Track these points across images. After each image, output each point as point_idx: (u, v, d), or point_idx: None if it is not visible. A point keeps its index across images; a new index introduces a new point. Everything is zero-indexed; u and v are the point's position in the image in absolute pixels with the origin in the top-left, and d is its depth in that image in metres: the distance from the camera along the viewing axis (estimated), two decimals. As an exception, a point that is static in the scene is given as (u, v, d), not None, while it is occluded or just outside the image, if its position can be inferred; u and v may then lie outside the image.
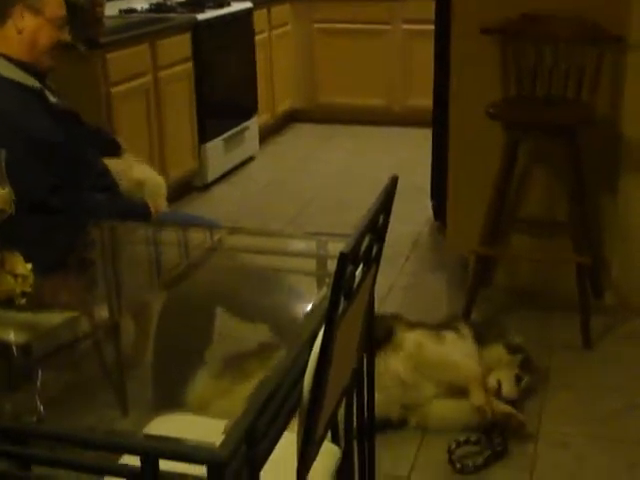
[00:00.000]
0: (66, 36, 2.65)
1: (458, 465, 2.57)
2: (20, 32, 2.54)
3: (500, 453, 2.61)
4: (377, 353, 2.51)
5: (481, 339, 2.89)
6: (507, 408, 2.70)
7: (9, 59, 2.54)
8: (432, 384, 2.75)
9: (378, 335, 2.57)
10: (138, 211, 2.67)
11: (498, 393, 2.79)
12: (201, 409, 2.14)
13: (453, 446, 2.61)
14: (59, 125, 2.57)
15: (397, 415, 2.75)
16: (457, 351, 2.82)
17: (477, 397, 2.70)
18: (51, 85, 2.68)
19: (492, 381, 2.80)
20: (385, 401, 2.66)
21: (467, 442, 2.63)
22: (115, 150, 2.90)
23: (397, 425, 2.75)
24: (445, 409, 2.74)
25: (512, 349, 2.88)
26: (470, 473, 2.56)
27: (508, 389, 2.81)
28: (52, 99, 2.59)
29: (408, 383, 2.73)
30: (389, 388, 2.71)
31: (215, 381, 2.31)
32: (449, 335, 2.86)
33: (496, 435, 2.63)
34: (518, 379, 2.83)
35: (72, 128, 2.63)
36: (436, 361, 2.77)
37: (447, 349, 2.81)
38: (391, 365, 2.73)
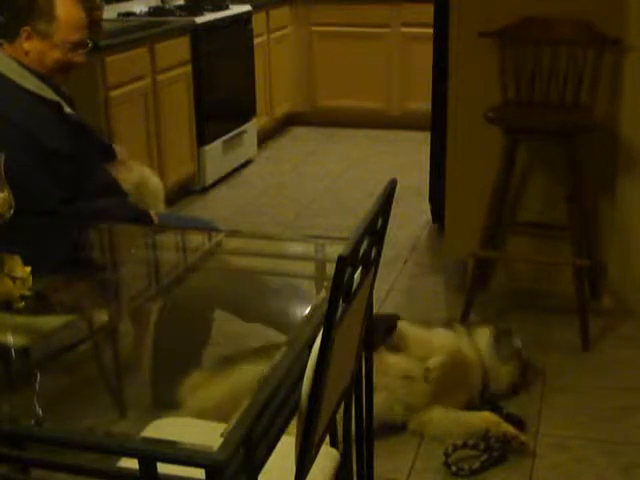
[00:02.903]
0: (79, 58, 2.59)
1: (454, 468, 2.57)
2: (27, 54, 2.53)
3: (498, 459, 2.60)
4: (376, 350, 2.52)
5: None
6: (511, 429, 2.67)
7: (26, 67, 2.54)
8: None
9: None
10: (140, 219, 2.67)
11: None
12: (192, 400, 2.14)
13: (450, 449, 2.61)
14: (72, 136, 2.56)
15: (400, 416, 2.75)
16: (439, 337, 2.88)
17: (433, 360, 2.74)
18: (66, 91, 2.68)
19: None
20: (388, 401, 2.66)
21: (465, 446, 2.63)
22: (110, 156, 2.89)
23: (399, 428, 2.75)
24: (445, 419, 2.73)
25: (499, 333, 2.94)
26: (465, 477, 2.55)
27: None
28: (67, 110, 2.58)
29: (412, 376, 2.74)
30: (394, 389, 2.71)
31: (208, 375, 2.31)
32: (441, 329, 2.91)
33: (494, 440, 2.63)
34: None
35: (83, 139, 2.63)
36: (412, 338, 2.83)
37: (425, 332, 2.88)
38: (389, 362, 2.73)
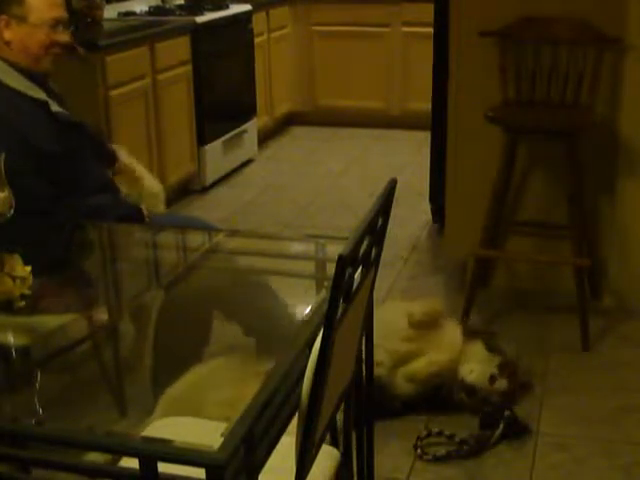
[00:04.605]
0: (62, 37, 2.57)
1: (419, 451, 2.62)
2: (9, 44, 2.51)
3: (464, 454, 2.62)
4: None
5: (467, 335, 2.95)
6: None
7: (13, 66, 2.53)
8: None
9: None
10: (133, 216, 2.66)
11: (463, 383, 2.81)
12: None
13: (424, 433, 2.67)
14: (62, 135, 2.55)
15: (385, 365, 2.75)
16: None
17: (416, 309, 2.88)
18: (54, 89, 2.67)
19: (465, 370, 2.81)
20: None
21: (440, 434, 2.67)
22: (111, 162, 2.88)
23: (388, 381, 2.77)
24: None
25: (491, 349, 2.89)
26: (428, 462, 2.59)
27: (475, 380, 2.79)
28: (56, 108, 2.57)
29: (393, 326, 2.82)
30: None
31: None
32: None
33: (474, 438, 2.65)
34: (492, 379, 2.80)
35: (75, 137, 2.62)
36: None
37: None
38: None
